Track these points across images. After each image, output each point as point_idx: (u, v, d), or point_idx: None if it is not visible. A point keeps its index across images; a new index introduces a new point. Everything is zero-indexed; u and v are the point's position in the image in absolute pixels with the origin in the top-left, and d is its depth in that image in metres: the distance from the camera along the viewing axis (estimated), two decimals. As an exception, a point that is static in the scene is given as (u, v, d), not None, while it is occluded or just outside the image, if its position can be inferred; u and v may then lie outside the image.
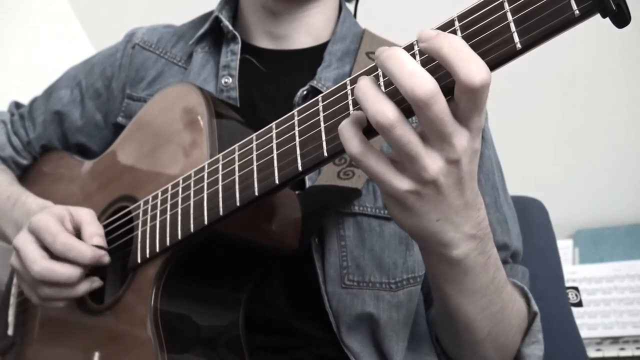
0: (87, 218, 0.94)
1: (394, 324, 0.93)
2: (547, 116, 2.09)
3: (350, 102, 0.69)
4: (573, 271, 1.98)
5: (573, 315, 1.19)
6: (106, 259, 0.91)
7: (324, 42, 1.09)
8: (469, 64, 0.58)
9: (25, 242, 0.91)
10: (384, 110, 0.61)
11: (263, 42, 1.11)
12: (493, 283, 0.78)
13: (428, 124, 0.61)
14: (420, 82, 0.58)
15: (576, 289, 1.33)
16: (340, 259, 0.93)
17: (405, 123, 0.61)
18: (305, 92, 1.01)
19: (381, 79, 0.66)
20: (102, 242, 0.92)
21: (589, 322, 1.88)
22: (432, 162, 0.62)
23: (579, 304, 1.33)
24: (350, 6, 1.18)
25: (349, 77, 1.02)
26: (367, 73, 0.68)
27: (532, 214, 1.26)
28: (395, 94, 0.62)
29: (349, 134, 0.65)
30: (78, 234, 0.93)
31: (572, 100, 2.04)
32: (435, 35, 0.59)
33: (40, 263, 0.89)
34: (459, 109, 0.61)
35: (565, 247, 2.08)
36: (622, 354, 1.80)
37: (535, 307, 0.92)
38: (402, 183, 0.64)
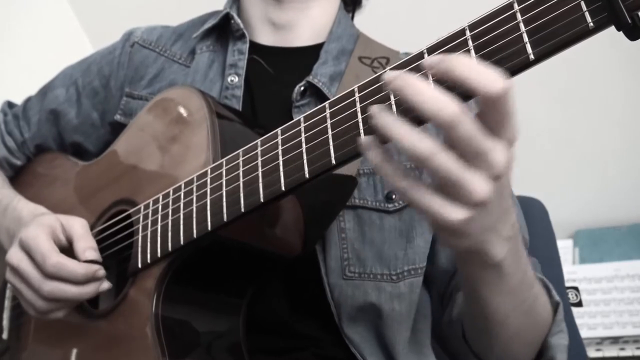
0: (79, 231, 0.92)
1: (395, 315, 0.94)
2: (548, 116, 2.09)
3: (358, 109, 0.68)
4: (573, 271, 1.99)
5: (573, 315, 1.19)
6: (101, 272, 0.89)
7: (322, 42, 1.10)
8: (486, 76, 0.56)
9: (20, 261, 0.90)
10: (418, 142, 0.57)
11: (265, 35, 1.10)
12: (525, 280, 0.76)
13: (462, 145, 0.57)
14: (442, 106, 0.56)
15: (576, 289, 1.34)
16: (341, 251, 0.93)
17: (443, 150, 0.57)
18: (302, 88, 1.01)
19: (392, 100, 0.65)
20: (95, 255, 0.90)
21: (589, 322, 1.89)
22: (480, 184, 0.58)
23: (579, 304, 1.34)
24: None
25: (344, 76, 1.05)
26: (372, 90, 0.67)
27: (532, 214, 1.26)
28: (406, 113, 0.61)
29: (389, 175, 0.61)
30: (71, 245, 0.91)
31: (572, 100, 2.05)
32: (442, 59, 0.57)
33: (48, 284, 0.88)
34: (488, 123, 0.58)
35: (565, 247, 2.08)
36: (622, 354, 1.81)
37: (557, 297, 0.89)
38: (456, 213, 0.59)
